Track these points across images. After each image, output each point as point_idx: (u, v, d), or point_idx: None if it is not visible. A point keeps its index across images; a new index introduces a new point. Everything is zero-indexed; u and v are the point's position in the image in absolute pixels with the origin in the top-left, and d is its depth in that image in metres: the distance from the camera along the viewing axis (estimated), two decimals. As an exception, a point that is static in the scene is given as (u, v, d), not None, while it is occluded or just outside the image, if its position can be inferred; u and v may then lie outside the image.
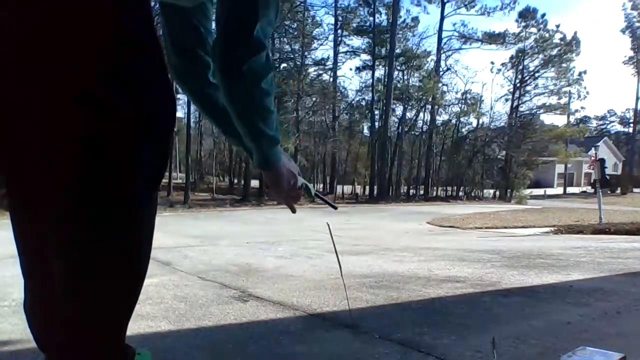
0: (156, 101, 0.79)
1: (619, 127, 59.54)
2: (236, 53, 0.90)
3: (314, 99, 26.32)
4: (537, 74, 33.90)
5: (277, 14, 0.97)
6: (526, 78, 33.99)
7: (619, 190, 36.09)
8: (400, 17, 28.86)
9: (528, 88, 34.34)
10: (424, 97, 28.78)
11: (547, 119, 56.97)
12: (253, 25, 0.89)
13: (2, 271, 3.64)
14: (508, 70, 33.88)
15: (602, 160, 12.21)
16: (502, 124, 33.60)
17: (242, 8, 0.90)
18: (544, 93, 34.23)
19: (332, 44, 29.25)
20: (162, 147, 0.80)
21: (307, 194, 1.16)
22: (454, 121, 31.38)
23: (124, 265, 0.79)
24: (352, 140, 30.26)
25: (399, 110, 30.02)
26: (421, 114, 30.65)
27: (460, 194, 30.70)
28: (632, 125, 53.27)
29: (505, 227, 11.85)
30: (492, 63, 40.32)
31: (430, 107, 29.85)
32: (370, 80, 29.72)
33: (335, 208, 1.27)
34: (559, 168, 42.25)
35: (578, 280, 3.48)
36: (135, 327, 2.24)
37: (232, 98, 0.95)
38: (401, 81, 29.65)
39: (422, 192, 29.88)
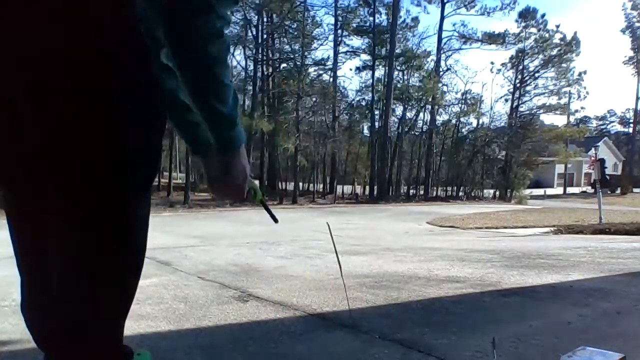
0: (154, 102, 0.79)
1: (619, 127, 59.62)
2: (181, 9, 0.78)
3: (314, 99, 26.31)
4: (537, 74, 33.87)
5: None
6: (526, 78, 33.97)
7: (619, 190, 36.08)
8: (400, 17, 28.87)
9: (528, 88, 34.33)
10: (424, 97, 28.76)
11: (547, 119, 57.01)
12: None
13: (2, 271, 3.63)
14: (508, 71, 33.87)
15: (602, 160, 12.23)
16: (502, 124, 33.58)
17: None
18: (544, 93, 34.22)
19: (332, 44, 29.25)
20: (156, 147, 0.81)
21: (253, 198, 1.07)
22: (454, 121, 31.37)
23: (122, 264, 0.79)
24: (352, 140, 30.23)
25: (399, 110, 30.03)
26: (421, 114, 30.67)
27: (460, 194, 30.67)
28: (632, 125, 53.20)
29: (505, 227, 11.84)
30: (492, 63, 40.22)
31: (430, 107, 29.83)
32: (370, 80, 29.70)
33: (276, 221, 1.17)
34: (559, 168, 42.20)
35: (578, 280, 3.47)
36: (135, 327, 2.24)
37: (179, 61, 0.82)
38: (401, 81, 29.62)
39: (422, 192, 29.85)
